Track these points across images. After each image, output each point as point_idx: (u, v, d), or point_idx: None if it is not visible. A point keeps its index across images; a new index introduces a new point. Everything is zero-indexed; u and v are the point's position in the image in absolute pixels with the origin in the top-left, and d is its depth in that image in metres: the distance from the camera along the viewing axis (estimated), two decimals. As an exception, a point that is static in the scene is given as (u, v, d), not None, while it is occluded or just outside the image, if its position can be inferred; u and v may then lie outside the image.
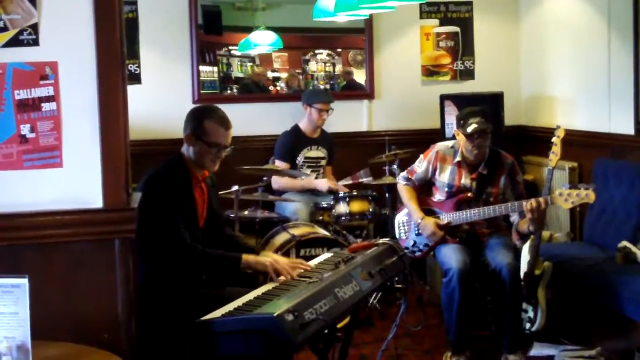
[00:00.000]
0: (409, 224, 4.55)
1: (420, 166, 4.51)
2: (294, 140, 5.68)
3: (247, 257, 3.27)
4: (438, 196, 4.46)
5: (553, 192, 4.09)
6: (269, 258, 3.28)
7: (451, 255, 4.18)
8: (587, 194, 3.96)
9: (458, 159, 4.37)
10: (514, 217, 4.31)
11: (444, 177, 4.41)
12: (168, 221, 3.15)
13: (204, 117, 3.31)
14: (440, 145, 4.50)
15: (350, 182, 5.54)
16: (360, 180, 5.52)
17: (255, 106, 6.15)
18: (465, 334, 4.18)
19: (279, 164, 5.57)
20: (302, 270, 3.21)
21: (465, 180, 4.36)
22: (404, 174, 4.63)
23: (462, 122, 4.28)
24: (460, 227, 4.35)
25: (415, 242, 4.48)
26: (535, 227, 4.11)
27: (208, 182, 3.47)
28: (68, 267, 2.57)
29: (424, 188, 4.56)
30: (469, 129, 4.20)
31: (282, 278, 3.13)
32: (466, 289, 4.09)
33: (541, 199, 4.00)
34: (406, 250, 4.45)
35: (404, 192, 4.55)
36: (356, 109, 6.26)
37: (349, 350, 3.41)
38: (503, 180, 4.35)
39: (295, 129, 5.75)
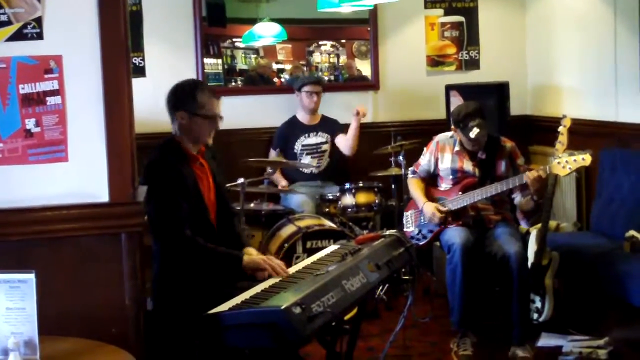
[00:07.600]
0: (415, 215, 4.63)
1: (424, 158, 4.62)
2: (289, 130, 5.72)
3: (247, 259, 3.15)
4: (444, 185, 4.53)
5: (551, 162, 4.09)
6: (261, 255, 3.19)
7: (455, 234, 4.24)
8: (583, 158, 3.98)
9: (457, 148, 4.45)
10: (517, 199, 4.37)
11: (446, 164, 4.47)
12: (168, 208, 3.03)
13: (195, 92, 3.26)
14: (440, 136, 4.59)
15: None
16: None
17: (259, 98, 6.14)
18: (468, 315, 4.18)
19: (271, 153, 5.69)
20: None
21: (467, 166, 4.41)
22: (411, 168, 4.74)
23: (461, 125, 4.30)
24: (466, 212, 4.36)
25: (419, 231, 4.54)
26: (539, 195, 4.15)
27: (208, 156, 3.40)
28: (75, 262, 2.57)
29: (430, 182, 4.64)
30: (472, 134, 4.25)
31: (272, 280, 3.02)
32: (469, 265, 4.12)
33: (540, 169, 4.05)
34: (412, 240, 4.49)
35: (411, 183, 4.68)
36: (361, 100, 6.23)
37: (356, 342, 3.40)
38: (504, 165, 4.40)
39: (292, 119, 5.79)
